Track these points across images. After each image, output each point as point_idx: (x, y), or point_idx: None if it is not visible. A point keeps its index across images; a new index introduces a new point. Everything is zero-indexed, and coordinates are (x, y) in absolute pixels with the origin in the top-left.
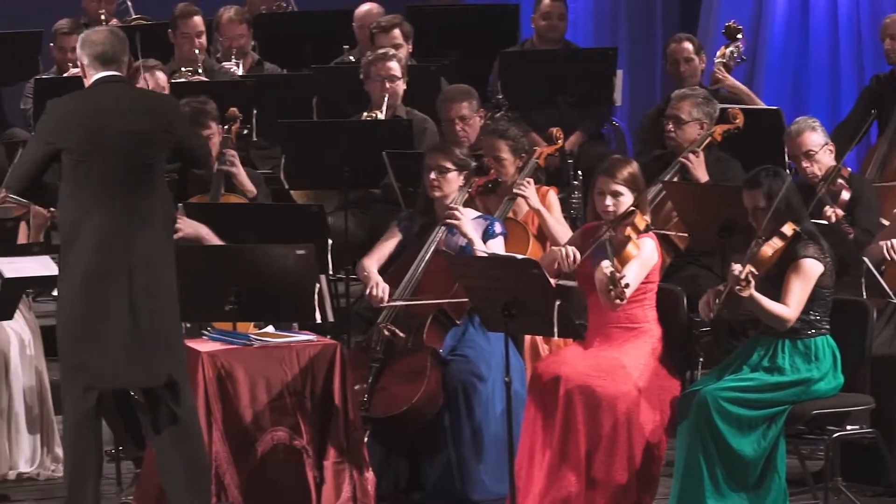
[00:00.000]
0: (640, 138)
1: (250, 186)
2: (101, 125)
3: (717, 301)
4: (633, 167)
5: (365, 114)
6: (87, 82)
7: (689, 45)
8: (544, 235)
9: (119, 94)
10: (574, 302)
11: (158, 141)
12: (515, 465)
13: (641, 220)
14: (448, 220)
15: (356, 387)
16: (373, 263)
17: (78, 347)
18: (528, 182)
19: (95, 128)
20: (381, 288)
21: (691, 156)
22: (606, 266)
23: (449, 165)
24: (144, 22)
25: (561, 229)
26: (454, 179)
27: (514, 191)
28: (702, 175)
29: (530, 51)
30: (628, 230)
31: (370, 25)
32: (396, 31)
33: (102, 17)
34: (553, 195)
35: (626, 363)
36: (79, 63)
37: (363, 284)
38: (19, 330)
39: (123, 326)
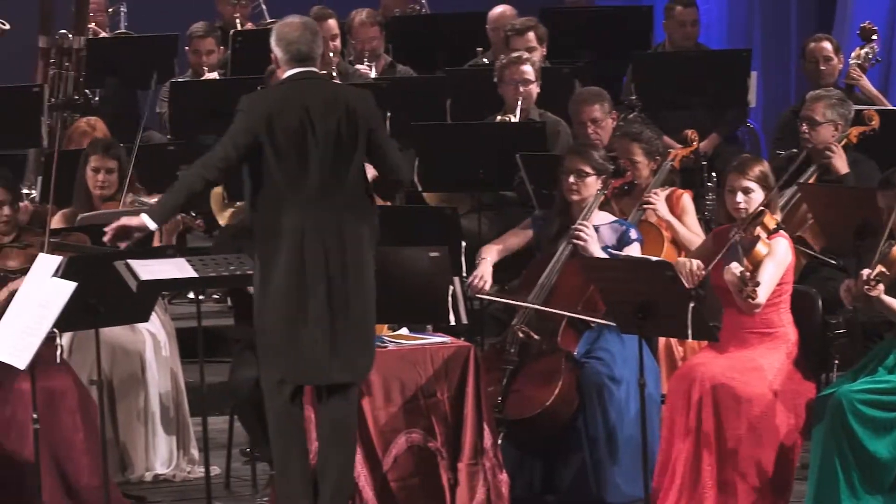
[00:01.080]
0: (774, 139)
1: None
2: (296, 122)
3: (857, 289)
4: (763, 165)
5: (498, 116)
6: (280, 75)
7: (828, 45)
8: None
9: (315, 91)
10: (709, 304)
11: (355, 137)
12: (655, 468)
13: (771, 220)
14: (575, 241)
15: (490, 388)
16: (493, 252)
17: (280, 344)
18: (657, 193)
19: (291, 125)
20: (482, 280)
21: (832, 146)
22: (735, 267)
23: (588, 170)
24: None
25: (692, 237)
26: (592, 183)
27: (643, 205)
28: (842, 166)
29: (664, 53)
30: (758, 230)
31: (504, 28)
32: (531, 34)
33: (237, 20)
34: (687, 198)
35: (762, 365)
36: (272, 56)
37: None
38: (155, 332)
39: (326, 323)
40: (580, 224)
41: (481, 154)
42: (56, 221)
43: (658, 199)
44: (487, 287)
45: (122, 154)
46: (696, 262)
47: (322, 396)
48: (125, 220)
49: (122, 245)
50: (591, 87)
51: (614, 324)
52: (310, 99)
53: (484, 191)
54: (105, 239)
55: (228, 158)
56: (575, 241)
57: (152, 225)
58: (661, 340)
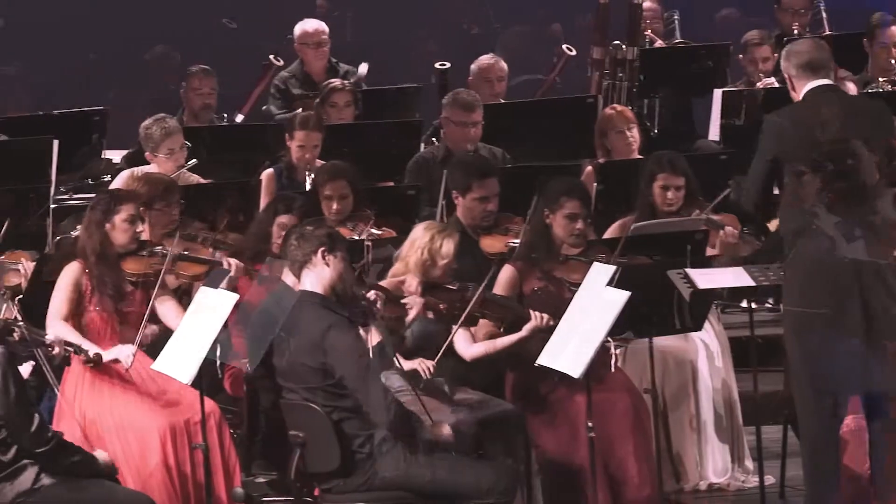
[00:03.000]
0: None
1: None
2: (816, 135)
3: None
4: None
5: None
6: (797, 95)
7: None
8: None
9: (832, 102)
10: None
11: (881, 146)
12: None
13: None
14: None
15: None
16: None
17: (816, 354)
18: None
19: (812, 138)
20: None
21: None
22: None
23: None
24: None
25: None
26: None
27: None
28: None
29: None
30: None
31: None
32: None
33: (795, 30)
34: None
35: None
36: (786, 76)
37: None
38: (708, 341)
39: (860, 331)
40: None
41: None
42: (612, 230)
43: None
44: None
45: (688, 169)
46: None
47: (869, 407)
48: None
49: None
50: None
51: None
52: (826, 110)
53: None
54: None
55: (754, 179)
56: None
57: None
58: None
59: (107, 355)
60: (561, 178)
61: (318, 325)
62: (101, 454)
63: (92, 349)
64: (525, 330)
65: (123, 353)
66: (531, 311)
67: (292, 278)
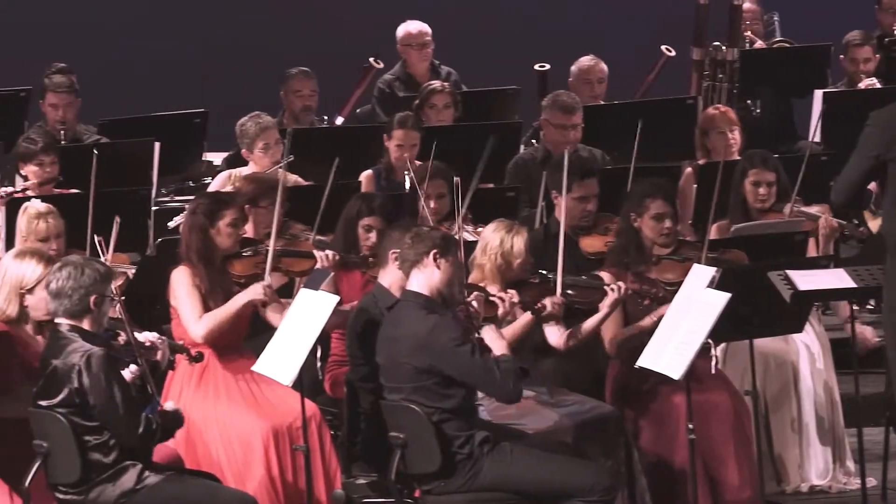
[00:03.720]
0: None
1: None
2: None
3: None
4: None
5: None
6: None
7: None
8: None
9: None
10: None
11: None
12: None
13: None
14: None
15: None
16: None
17: None
18: None
19: None
20: None
21: None
22: None
23: None
24: None
25: None
26: None
27: None
28: None
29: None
30: None
31: None
32: None
33: None
34: None
35: None
36: None
37: None
38: (809, 343)
39: None
40: None
41: None
42: (712, 233)
43: None
44: None
45: (779, 166)
46: None
47: None
48: None
49: None
50: None
51: None
52: None
53: None
54: None
55: (851, 175)
56: None
57: None
58: None
59: (240, 297)
60: (642, 180)
61: (423, 326)
62: (169, 405)
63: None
64: (606, 306)
65: (256, 289)
66: (606, 287)
67: (389, 278)
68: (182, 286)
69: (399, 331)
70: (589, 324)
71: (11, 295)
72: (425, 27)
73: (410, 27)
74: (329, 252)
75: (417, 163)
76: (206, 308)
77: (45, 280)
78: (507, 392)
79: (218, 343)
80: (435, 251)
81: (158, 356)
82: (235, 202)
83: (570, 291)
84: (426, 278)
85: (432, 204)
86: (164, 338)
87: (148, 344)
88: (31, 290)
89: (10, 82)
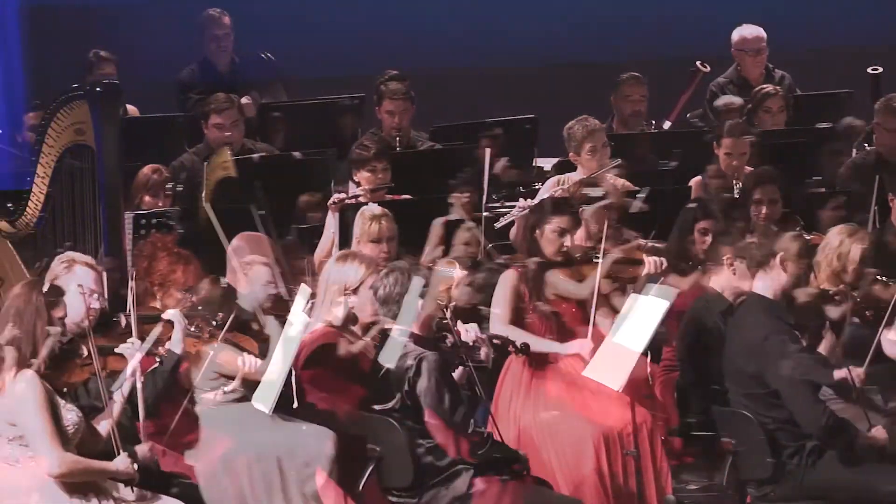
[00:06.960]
0: None
1: None
2: None
3: None
4: None
5: None
6: None
7: None
8: None
9: None
10: None
11: None
12: None
13: None
14: None
15: None
16: None
17: None
18: None
19: None
20: None
21: None
22: None
23: None
24: None
25: None
26: None
27: None
28: None
29: None
30: None
31: None
32: None
33: None
34: None
35: None
36: None
37: None
38: None
39: None
40: None
41: None
42: None
43: None
44: None
45: None
46: None
47: None
48: None
49: None
50: None
51: None
52: None
53: None
54: None
55: None
56: None
57: None
58: None
59: (566, 348)
60: None
61: (758, 331)
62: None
63: (519, 339)
64: None
65: (585, 347)
66: None
67: (721, 282)
68: (501, 289)
69: (737, 331)
70: None
71: (335, 298)
72: (761, 32)
73: (746, 32)
74: (659, 258)
75: (747, 168)
76: (520, 312)
77: (373, 286)
78: (812, 425)
79: None
80: (782, 253)
81: (482, 355)
82: (566, 210)
83: None
84: (772, 280)
85: (763, 210)
86: (484, 335)
87: (472, 344)
88: (355, 291)
89: (342, 90)
